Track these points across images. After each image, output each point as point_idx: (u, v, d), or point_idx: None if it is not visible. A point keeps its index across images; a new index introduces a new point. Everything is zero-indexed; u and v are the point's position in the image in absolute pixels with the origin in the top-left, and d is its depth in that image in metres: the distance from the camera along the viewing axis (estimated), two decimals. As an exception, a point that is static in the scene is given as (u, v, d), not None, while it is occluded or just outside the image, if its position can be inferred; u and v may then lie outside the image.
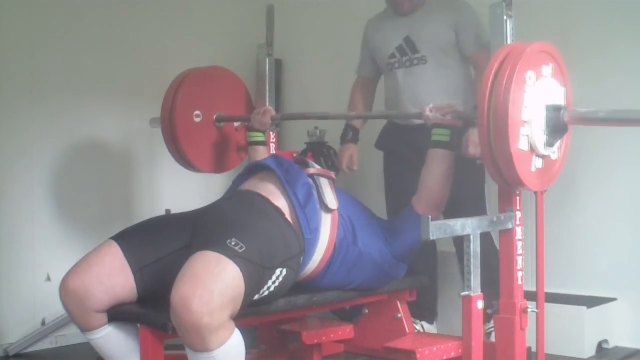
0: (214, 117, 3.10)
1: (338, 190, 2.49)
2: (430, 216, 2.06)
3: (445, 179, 2.51)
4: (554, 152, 2.20)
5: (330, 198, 2.41)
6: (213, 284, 1.83)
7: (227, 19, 4.26)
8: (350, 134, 3.24)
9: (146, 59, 3.85)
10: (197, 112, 3.04)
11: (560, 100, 2.16)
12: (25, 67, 3.40)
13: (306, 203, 2.32)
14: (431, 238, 2.06)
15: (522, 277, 2.28)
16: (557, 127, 2.11)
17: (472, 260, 2.17)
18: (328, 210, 2.38)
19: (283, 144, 4.18)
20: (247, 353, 1.99)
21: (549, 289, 2.58)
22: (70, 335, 3.43)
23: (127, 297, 2.15)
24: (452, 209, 2.71)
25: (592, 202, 3.28)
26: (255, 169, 2.53)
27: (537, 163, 2.14)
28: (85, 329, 2.15)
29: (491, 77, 2.05)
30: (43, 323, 3.41)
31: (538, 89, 2.09)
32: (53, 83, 3.48)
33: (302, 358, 2.76)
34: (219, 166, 3.15)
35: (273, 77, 3.22)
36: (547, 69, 2.15)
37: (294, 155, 3.26)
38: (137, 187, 3.82)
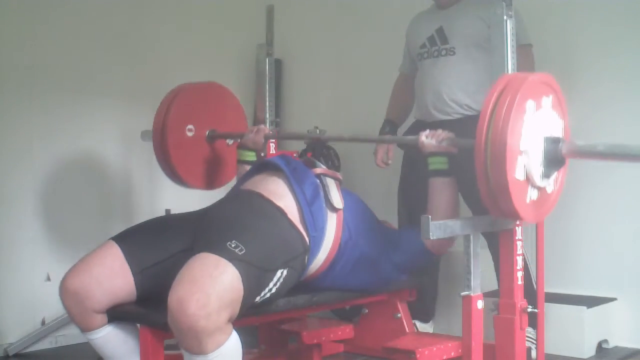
0: (207, 133, 3.07)
1: (345, 192, 2.48)
2: (430, 216, 2.06)
3: (452, 206, 2.44)
4: (549, 185, 2.16)
5: (337, 198, 2.41)
6: (211, 287, 1.82)
7: (227, 19, 4.26)
8: (387, 129, 3.26)
9: (146, 59, 3.85)
10: (189, 126, 3.01)
11: (558, 133, 2.13)
12: (25, 66, 3.40)
13: (313, 201, 2.32)
14: (431, 238, 2.06)
15: (523, 277, 2.28)
16: (554, 159, 2.07)
17: (472, 260, 2.17)
18: (334, 209, 2.37)
19: (283, 144, 4.18)
20: (244, 355, 1.98)
21: (549, 289, 2.58)
22: (70, 335, 3.43)
23: (126, 298, 2.14)
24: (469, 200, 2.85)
25: (592, 202, 3.28)
26: (262, 168, 2.52)
27: (533, 195, 2.10)
28: (85, 329, 2.15)
29: (491, 104, 2.02)
30: (43, 323, 3.41)
31: (537, 119, 2.06)
32: (53, 83, 3.49)
33: (302, 358, 2.76)
34: (209, 183, 3.11)
35: (273, 77, 3.21)
36: (547, 101, 2.12)
37: (294, 155, 3.26)
38: (137, 187, 3.82)
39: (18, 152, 3.38)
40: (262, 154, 3.07)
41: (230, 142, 3.10)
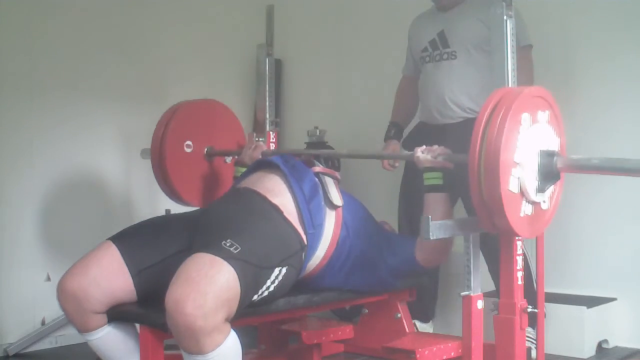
0: (205, 150, 3.07)
1: (342, 192, 2.48)
2: (430, 217, 2.06)
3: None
4: (544, 202, 2.13)
5: (335, 195, 2.41)
6: (207, 287, 1.82)
7: (227, 19, 4.26)
8: (393, 131, 3.26)
9: (146, 60, 3.85)
10: (188, 142, 3.02)
11: (554, 148, 2.11)
12: (25, 66, 3.40)
13: (311, 198, 2.32)
14: (431, 238, 2.06)
15: (522, 277, 2.28)
16: (549, 173, 2.05)
17: (472, 260, 2.17)
18: (333, 207, 2.38)
19: (283, 144, 4.18)
20: (244, 355, 1.98)
21: (549, 289, 2.58)
22: (70, 336, 3.43)
23: (125, 299, 2.14)
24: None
25: (592, 202, 3.28)
26: (260, 166, 2.52)
27: (527, 209, 2.07)
28: (83, 330, 2.15)
29: (485, 116, 2.00)
30: (43, 323, 3.42)
31: (532, 133, 2.04)
32: (53, 83, 3.49)
33: (302, 358, 2.76)
34: (206, 200, 3.08)
35: (273, 77, 3.21)
36: (543, 115, 2.09)
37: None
38: (137, 187, 3.82)
39: (18, 153, 3.38)
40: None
41: (228, 159, 3.11)
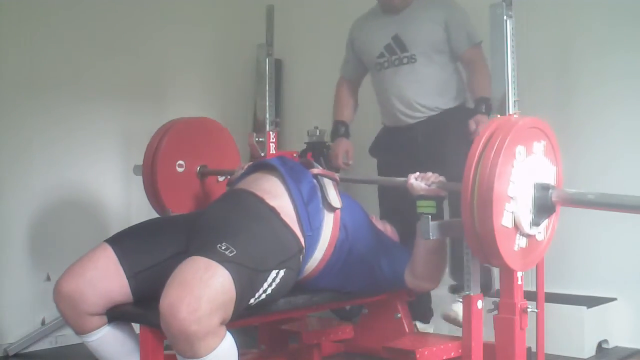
0: (197, 169, 3.08)
1: (342, 194, 2.46)
2: (430, 216, 2.05)
3: (439, 249, 2.36)
4: (539, 233, 2.10)
5: (334, 197, 2.39)
6: (201, 290, 1.81)
7: (227, 19, 4.26)
8: (342, 129, 3.31)
9: (146, 59, 3.86)
10: (180, 162, 3.02)
11: (550, 180, 2.08)
12: (25, 66, 3.41)
13: (310, 201, 2.31)
14: (431, 238, 2.05)
15: (522, 277, 2.28)
16: (544, 206, 2.02)
17: (471, 260, 2.17)
18: (331, 209, 2.36)
19: (283, 144, 4.18)
20: (244, 355, 1.97)
21: (549, 289, 2.58)
22: (70, 336, 3.42)
23: (122, 301, 2.13)
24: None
25: (592, 202, 3.28)
26: (258, 168, 2.51)
27: (521, 242, 2.04)
28: (80, 332, 2.15)
29: (479, 148, 1.96)
30: (43, 323, 3.42)
31: (527, 165, 2.01)
32: (53, 83, 3.49)
33: (302, 358, 2.76)
34: None
35: (273, 77, 3.21)
36: (538, 146, 2.06)
37: (294, 155, 3.26)
38: (137, 186, 3.81)
39: (18, 152, 3.39)
40: (262, 154, 3.07)
41: (221, 178, 3.11)
